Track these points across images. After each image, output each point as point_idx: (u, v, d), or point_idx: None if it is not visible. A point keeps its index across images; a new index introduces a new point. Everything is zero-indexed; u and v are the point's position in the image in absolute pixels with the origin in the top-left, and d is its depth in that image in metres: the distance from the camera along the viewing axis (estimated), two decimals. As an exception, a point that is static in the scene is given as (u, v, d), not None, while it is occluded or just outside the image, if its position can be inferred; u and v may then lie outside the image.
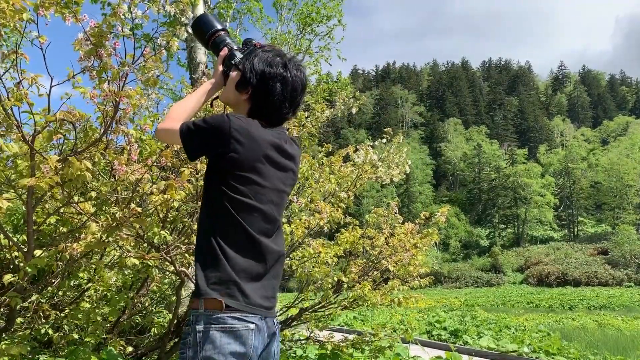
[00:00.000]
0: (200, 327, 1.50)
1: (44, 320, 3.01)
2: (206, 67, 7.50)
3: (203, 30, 1.83)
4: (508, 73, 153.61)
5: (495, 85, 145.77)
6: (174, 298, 4.21)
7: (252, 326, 1.54)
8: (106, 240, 2.13)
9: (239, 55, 1.78)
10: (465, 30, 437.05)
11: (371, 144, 5.12)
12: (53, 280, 2.99)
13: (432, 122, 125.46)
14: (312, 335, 5.59)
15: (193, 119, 1.69)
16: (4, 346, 2.49)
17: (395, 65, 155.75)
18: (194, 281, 1.58)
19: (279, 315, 5.49)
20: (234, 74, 1.78)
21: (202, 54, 7.39)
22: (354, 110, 5.02)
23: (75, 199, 2.33)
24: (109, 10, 8.61)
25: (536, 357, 8.18)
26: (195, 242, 1.67)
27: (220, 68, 1.82)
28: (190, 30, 7.27)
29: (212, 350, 1.48)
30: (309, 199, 4.34)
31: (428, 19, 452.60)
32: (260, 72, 1.72)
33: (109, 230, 2.06)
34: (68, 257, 2.40)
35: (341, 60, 11.92)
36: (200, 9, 7.41)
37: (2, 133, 2.05)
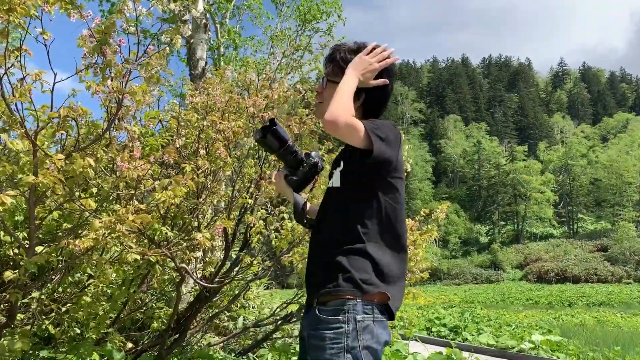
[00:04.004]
0: (360, 317, 1.56)
1: (44, 317, 3.01)
2: (206, 63, 7.50)
3: (282, 140, 1.88)
4: (508, 70, 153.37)
5: (495, 82, 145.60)
6: (174, 294, 4.21)
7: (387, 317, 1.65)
8: (108, 237, 2.13)
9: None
10: (480, 25, 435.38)
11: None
12: (53, 277, 3.00)
13: (432, 119, 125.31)
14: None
15: (366, 122, 1.66)
16: (5, 342, 2.50)
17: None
18: (344, 274, 1.61)
19: (280, 312, 5.50)
20: (333, 89, 1.75)
21: (202, 50, 7.39)
22: (354, 107, 5.00)
23: (77, 195, 2.34)
24: (106, 6, 8.61)
25: (535, 354, 8.20)
26: (333, 238, 1.70)
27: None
28: (190, 27, 7.26)
29: (371, 339, 1.56)
30: (312, 195, 4.34)
31: (443, 13, 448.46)
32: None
33: (112, 228, 2.07)
34: (70, 253, 2.40)
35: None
36: (200, 7, 7.40)
37: (5, 128, 2.05)
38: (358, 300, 1.57)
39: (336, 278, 1.61)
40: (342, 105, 1.58)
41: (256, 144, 1.88)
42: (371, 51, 1.73)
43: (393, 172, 1.69)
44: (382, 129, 1.63)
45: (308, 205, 1.96)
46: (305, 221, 1.92)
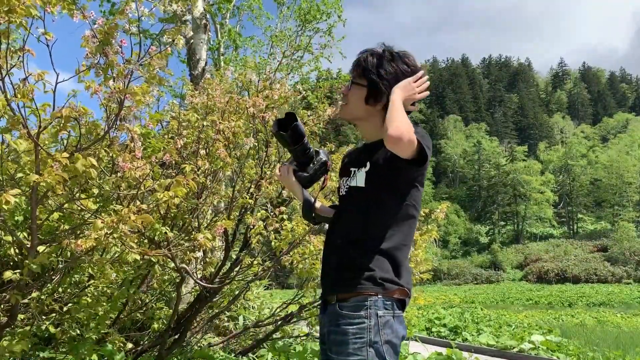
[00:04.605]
0: (381, 313, 1.62)
1: (44, 317, 3.01)
2: (206, 63, 7.49)
3: (301, 136, 1.88)
4: (508, 70, 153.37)
5: (495, 82, 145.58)
6: (174, 294, 4.22)
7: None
8: (110, 238, 2.13)
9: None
10: (480, 25, 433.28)
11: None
12: (53, 277, 2.99)
13: (432, 119, 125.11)
14: (312, 331, 5.60)
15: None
16: (5, 343, 2.50)
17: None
18: (366, 272, 1.66)
19: (280, 312, 5.50)
20: (357, 91, 1.80)
21: (202, 50, 7.38)
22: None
23: (77, 195, 2.34)
24: (106, 6, 8.61)
25: (535, 354, 8.20)
26: (352, 237, 1.73)
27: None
28: (190, 26, 7.26)
29: (391, 334, 1.63)
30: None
31: (443, 14, 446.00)
32: (394, 74, 1.76)
33: (114, 228, 2.07)
34: (70, 253, 2.40)
35: (342, 57, 11.90)
36: (200, 6, 7.39)
37: (8, 128, 2.05)
38: (379, 297, 1.63)
39: (358, 276, 1.65)
40: (404, 123, 1.61)
41: (273, 136, 1.91)
42: (418, 79, 1.78)
43: (421, 176, 1.77)
44: (425, 138, 1.70)
45: (318, 203, 1.98)
46: (313, 216, 1.94)
